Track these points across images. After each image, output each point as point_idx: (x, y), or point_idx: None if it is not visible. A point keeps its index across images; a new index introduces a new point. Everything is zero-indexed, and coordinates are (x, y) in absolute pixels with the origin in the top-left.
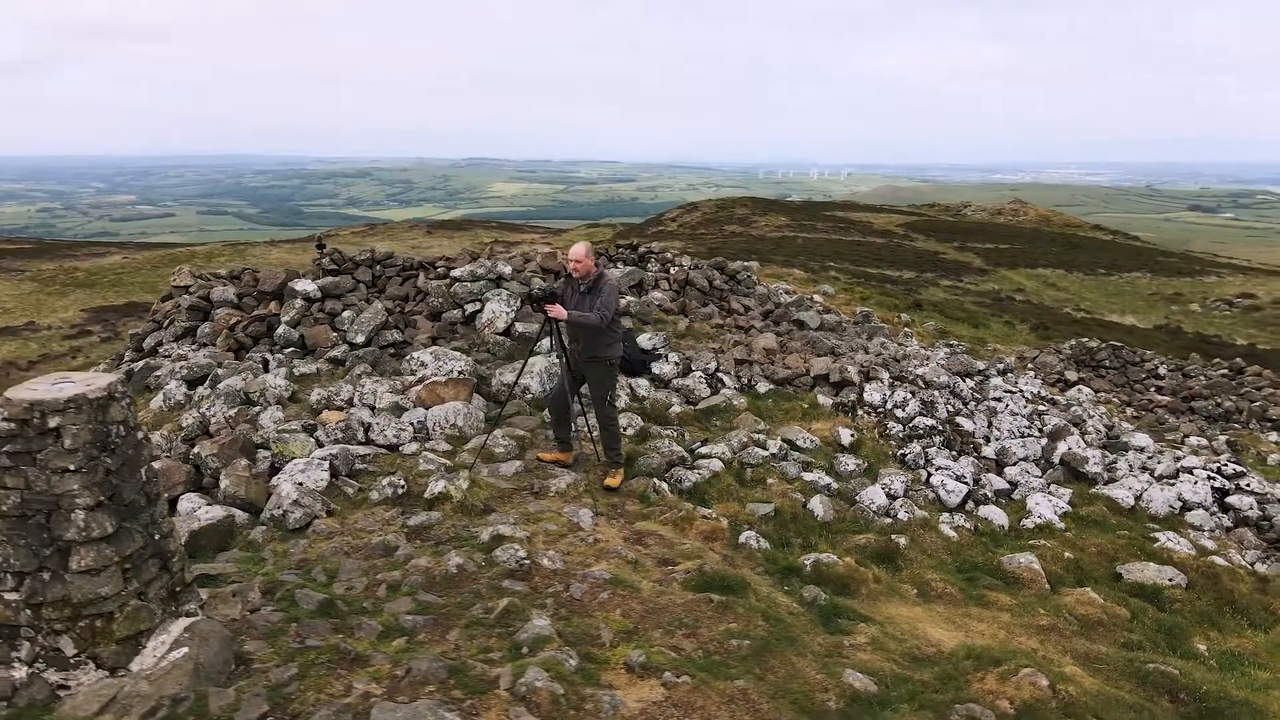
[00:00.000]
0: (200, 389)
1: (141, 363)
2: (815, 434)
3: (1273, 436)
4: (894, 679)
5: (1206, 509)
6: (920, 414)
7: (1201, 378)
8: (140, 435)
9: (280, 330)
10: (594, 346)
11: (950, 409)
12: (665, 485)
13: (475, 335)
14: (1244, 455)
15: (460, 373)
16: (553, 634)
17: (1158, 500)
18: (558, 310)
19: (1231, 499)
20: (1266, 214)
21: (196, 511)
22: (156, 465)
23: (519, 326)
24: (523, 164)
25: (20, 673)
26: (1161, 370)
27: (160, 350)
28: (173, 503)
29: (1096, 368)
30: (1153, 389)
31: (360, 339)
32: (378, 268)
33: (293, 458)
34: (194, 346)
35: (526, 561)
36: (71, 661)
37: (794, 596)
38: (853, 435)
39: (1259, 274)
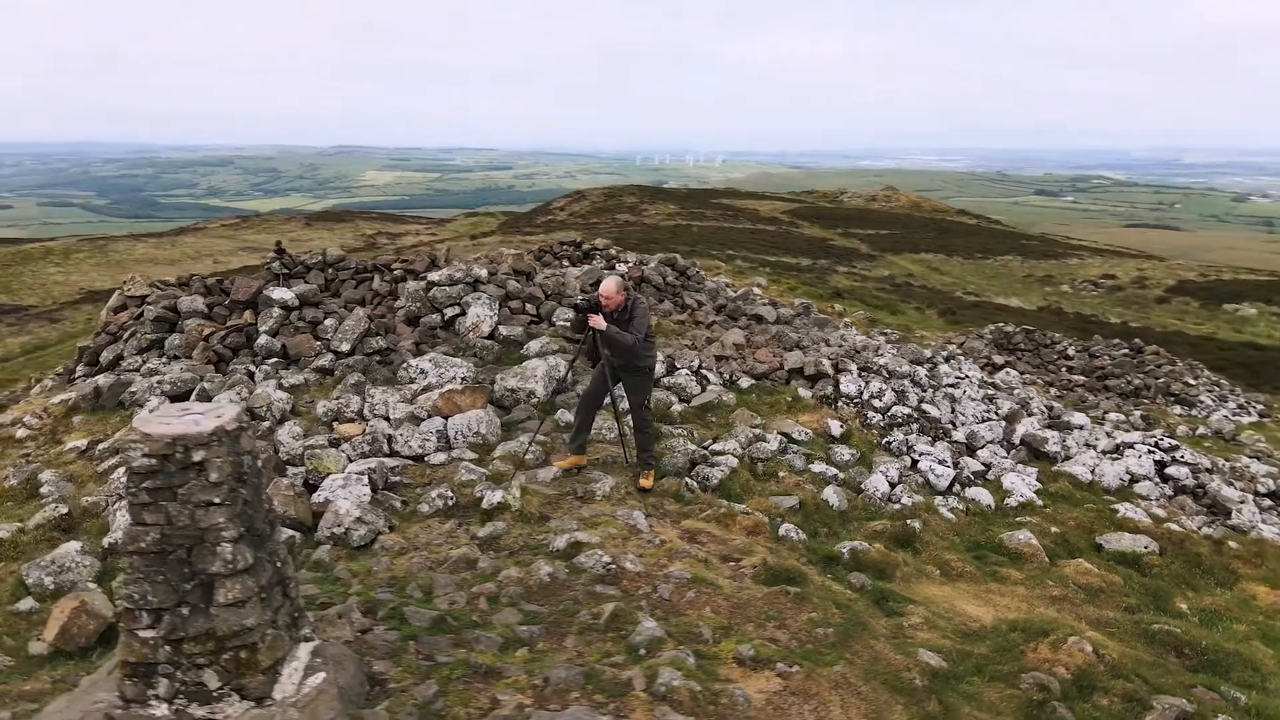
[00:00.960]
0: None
1: (106, 378)
2: (806, 426)
3: (1177, 410)
4: (957, 654)
5: (1151, 480)
6: (896, 403)
7: (1106, 357)
8: (260, 463)
9: (262, 340)
10: (634, 356)
11: (916, 397)
12: (695, 483)
13: (459, 339)
14: (1154, 427)
15: (464, 379)
16: (663, 634)
17: (1109, 474)
18: (598, 320)
19: (1170, 470)
20: (1101, 197)
21: None
22: None
23: (503, 330)
24: (395, 152)
25: (160, 710)
26: (1070, 351)
27: (123, 365)
28: None
29: (1013, 350)
30: (1064, 369)
31: (345, 347)
32: (330, 271)
33: (328, 473)
34: (164, 360)
35: (613, 566)
36: (215, 695)
37: (843, 583)
38: (841, 426)
39: (1112, 255)
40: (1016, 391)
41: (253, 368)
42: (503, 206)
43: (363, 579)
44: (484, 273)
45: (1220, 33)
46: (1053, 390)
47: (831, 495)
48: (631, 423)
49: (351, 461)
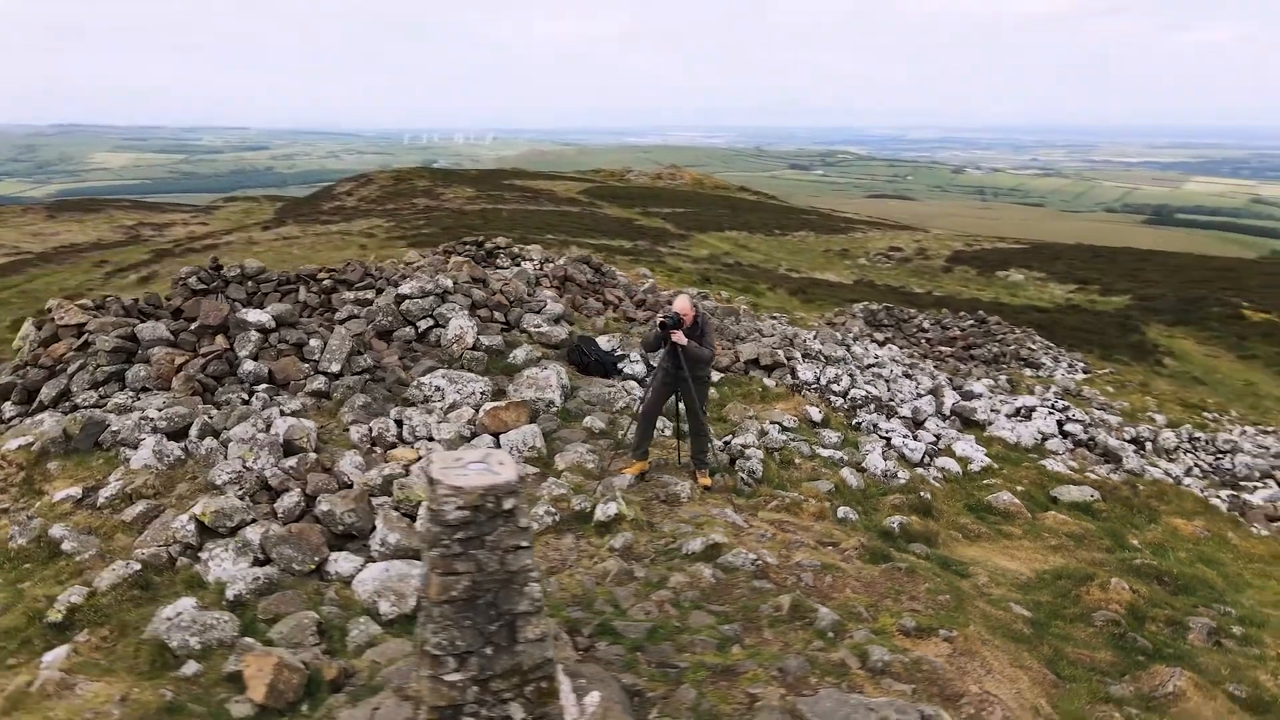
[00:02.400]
0: (204, 441)
1: (54, 417)
2: (788, 414)
3: (1028, 372)
4: (1030, 604)
5: (1057, 438)
6: (852, 387)
7: (956, 328)
8: None
9: (248, 367)
10: (697, 366)
11: (862, 380)
12: (746, 476)
13: (441, 352)
14: (1019, 389)
15: (484, 394)
16: (839, 617)
17: (1025, 435)
18: (680, 336)
19: (1068, 427)
20: (847, 171)
21: (391, 570)
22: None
23: (484, 340)
24: (129, 131)
25: None
26: (926, 324)
27: (75, 402)
28: (321, 564)
29: (878, 326)
30: (923, 340)
31: (335, 368)
32: (250, 283)
33: (419, 500)
34: (130, 394)
35: (759, 562)
36: None
37: (914, 554)
38: (820, 413)
39: (889, 228)
40: (920, 365)
41: (245, 396)
42: (264, 190)
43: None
44: (449, 283)
45: (941, 23)
46: (928, 362)
47: (849, 477)
48: (689, 427)
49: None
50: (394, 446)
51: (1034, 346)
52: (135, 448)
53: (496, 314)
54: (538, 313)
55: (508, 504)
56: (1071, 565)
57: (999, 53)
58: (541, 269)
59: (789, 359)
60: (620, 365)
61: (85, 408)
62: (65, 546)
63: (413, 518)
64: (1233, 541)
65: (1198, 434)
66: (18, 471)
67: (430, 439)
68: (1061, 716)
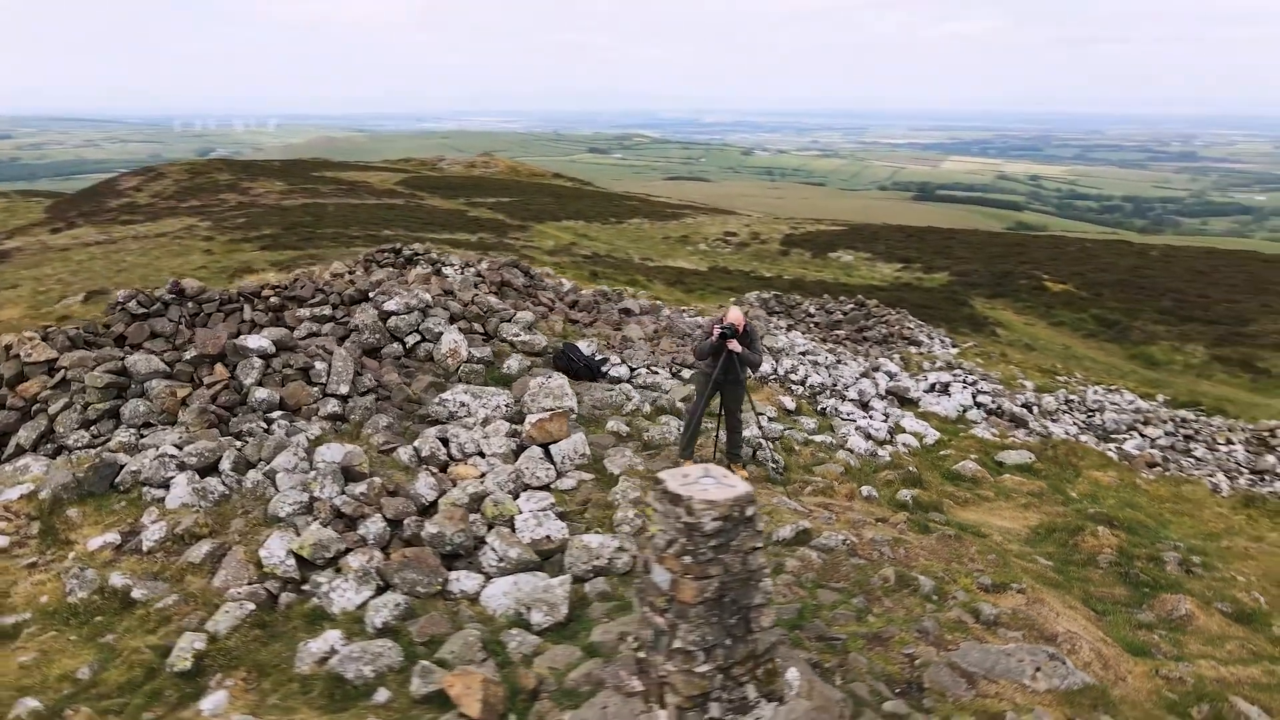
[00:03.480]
0: (248, 474)
1: (39, 461)
2: (766, 405)
3: (912, 349)
4: (1043, 555)
5: (975, 408)
6: (808, 375)
7: (839, 312)
8: None
9: (262, 394)
10: (739, 371)
11: (806, 368)
12: (773, 465)
13: (435, 366)
14: (911, 367)
15: (508, 405)
16: (934, 582)
17: (949, 408)
18: (736, 344)
19: (980, 399)
20: (644, 154)
21: (520, 583)
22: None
23: (474, 352)
24: None
25: None
26: (811, 309)
27: (63, 443)
28: (444, 585)
29: (772, 314)
30: (811, 325)
31: (344, 390)
32: (190, 304)
33: (513, 515)
34: (131, 431)
35: (849, 541)
36: (753, 704)
37: (937, 522)
38: (792, 402)
39: (713, 213)
40: (839, 349)
41: (265, 425)
42: (11, 184)
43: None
44: (428, 296)
45: (733, 9)
46: (828, 345)
47: (847, 459)
48: (728, 424)
49: (517, 499)
50: (446, 465)
51: (911, 325)
52: (164, 487)
53: (475, 325)
54: (510, 321)
55: (749, 511)
56: (1054, 520)
57: (778, 40)
58: (462, 273)
59: None
60: (605, 369)
61: (78, 449)
62: (136, 594)
63: (511, 531)
64: (1141, 487)
65: (1072, 396)
66: (29, 521)
67: (480, 454)
68: (1120, 644)
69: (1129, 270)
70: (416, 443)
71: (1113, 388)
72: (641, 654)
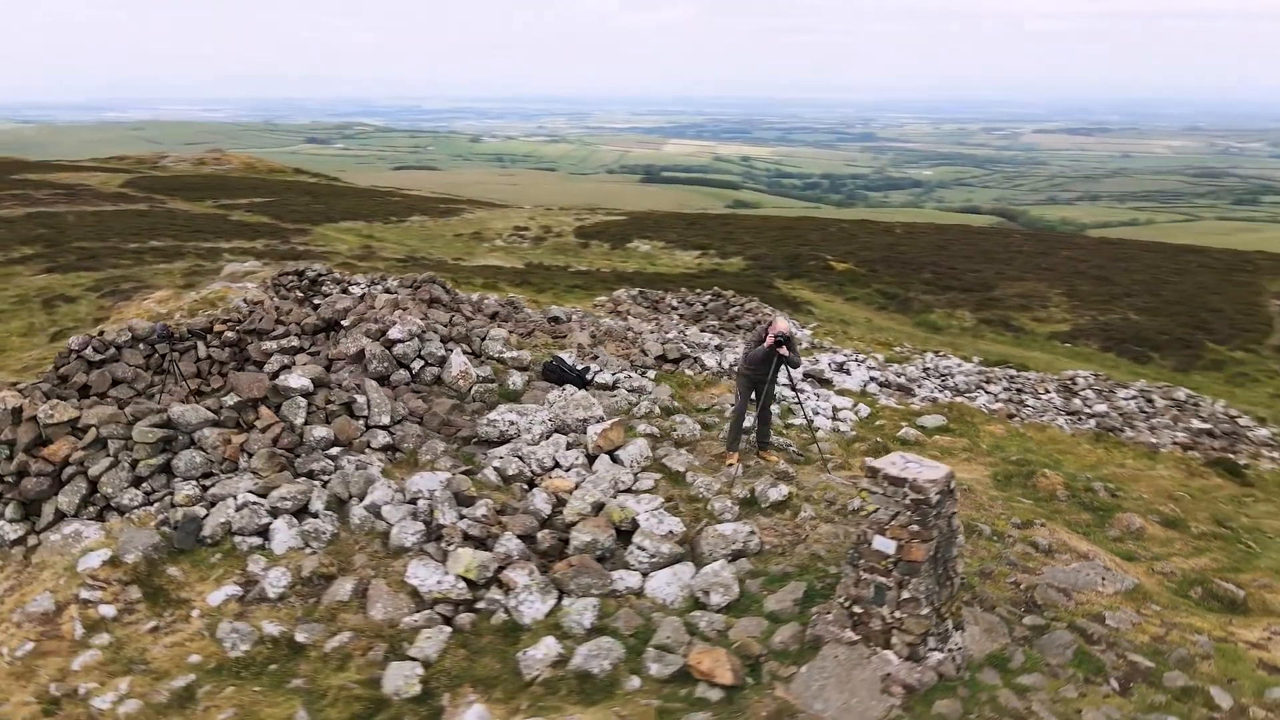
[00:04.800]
0: (353, 511)
1: (86, 525)
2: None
3: None
4: (1021, 496)
5: (872, 383)
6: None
7: (699, 304)
8: None
9: (320, 433)
10: (773, 372)
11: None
12: (795, 448)
13: (445, 388)
14: None
15: (552, 419)
16: (991, 528)
17: (854, 385)
18: (785, 350)
19: (873, 374)
20: (368, 143)
21: (679, 573)
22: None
23: (477, 371)
24: None
25: (932, 658)
26: (674, 303)
27: (115, 502)
28: (610, 584)
29: (644, 309)
30: (676, 317)
31: (385, 420)
32: (143, 346)
33: (634, 516)
34: (193, 484)
35: None
36: (950, 634)
37: None
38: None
39: (491, 207)
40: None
41: (331, 462)
42: None
43: (799, 564)
44: (422, 322)
45: None
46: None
47: (832, 438)
48: (760, 415)
49: (638, 500)
50: (531, 481)
51: (767, 311)
52: (260, 534)
53: (462, 345)
54: (489, 339)
55: (951, 484)
56: (1004, 468)
57: (491, 29)
58: (368, 291)
59: (681, 354)
60: (589, 377)
61: (134, 508)
62: (299, 638)
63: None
64: (1026, 435)
65: (929, 365)
66: (124, 587)
67: (557, 466)
68: (1115, 554)
69: (887, 248)
70: (497, 463)
71: (940, 353)
72: (857, 609)
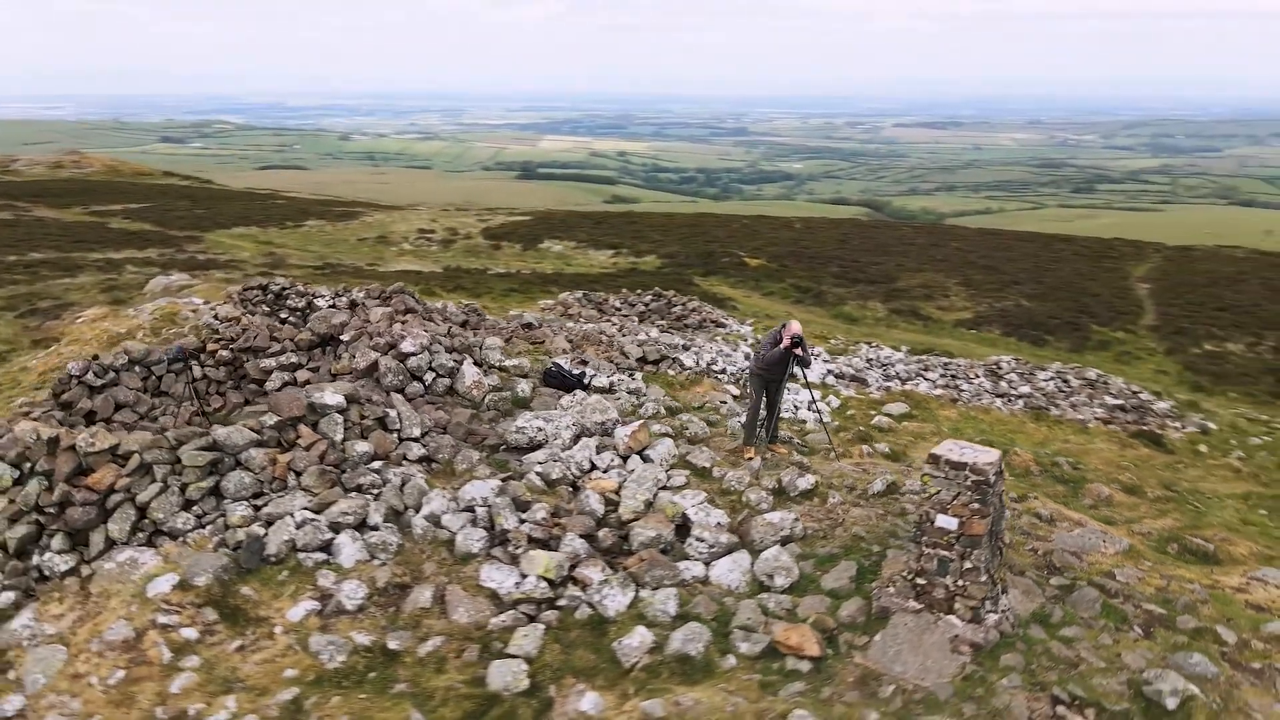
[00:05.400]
0: (415, 522)
1: (139, 552)
2: (715, 394)
3: (721, 331)
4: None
5: (829, 375)
6: (722, 366)
7: (640, 304)
8: None
9: (362, 448)
10: (787, 372)
11: (710, 357)
12: (799, 440)
13: (460, 398)
14: (735, 345)
15: (576, 424)
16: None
17: (815, 377)
18: (799, 350)
19: (829, 366)
20: (228, 142)
21: (738, 561)
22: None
23: (491, 380)
24: None
25: (990, 619)
26: (617, 304)
27: (168, 527)
28: (678, 574)
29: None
30: (620, 317)
31: (417, 432)
32: (139, 368)
33: (683, 511)
34: (245, 504)
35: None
36: (999, 596)
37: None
38: (735, 388)
39: (388, 209)
40: (698, 340)
41: (377, 476)
42: None
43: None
44: (427, 336)
45: None
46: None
47: (811, 428)
48: (771, 413)
49: (680, 496)
50: (575, 483)
51: (708, 309)
52: (323, 550)
53: (466, 356)
54: (486, 348)
55: (1000, 465)
56: (976, 436)
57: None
58: (333, 304)
59: (661, 356)
60: (586, 381)
61: (187, 531)
62: (392, 646)
63: (684, 529)
64: (977, 417)
65: (870, 355)
66: (198, 609)
67: (594, 468)
68: (1098, 520)
69: (791, 242)
70: (539, 468)
71: (874, 344)
72: (920, 581)
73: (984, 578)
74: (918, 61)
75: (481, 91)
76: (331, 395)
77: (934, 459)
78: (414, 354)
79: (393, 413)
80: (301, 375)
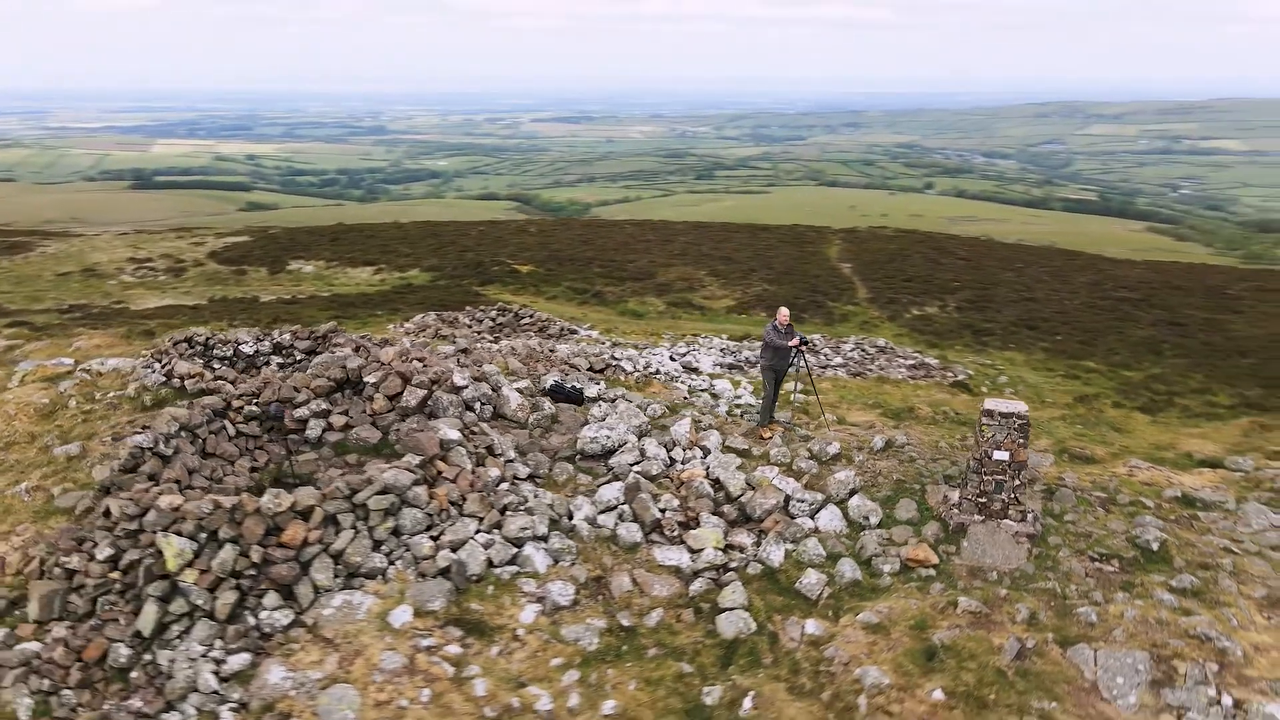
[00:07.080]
0: (580, 526)
1: (402, 577)
2: (657, 398)
3: (574, 337)
4: (917, 422)
5: (720, 366)
6: (657, 369)
7: (487, 320)
8: None
9: (495, 473)
10: (789, 363)
11: (644, 361)
12: (792, 420)
13: (509, 422)
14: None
15: (629, 428)
16: (963, 443)
17: (709, 368)
18: (797, 341)
19: (679, 361)
20: None
21: (832, 512)
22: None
23: (531, 401)
24: None
25: (1030, 518)
26: (467, 321)
27: (364, 570)
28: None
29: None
30: (473, 334)
31: (513, 454)
32: (184, 432)
33: (770, 481)
34: (423, 536)
35: (905, 440)
36: (1029, 509)
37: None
38: (684, 389)
39: (62, 237)
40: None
41: (514, 496)
42: None
43: (891, 489)
44: (473, 370)
45: None
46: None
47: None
48: (771, 398)
49: (758, 472)
50: (671, 466)
51: (560, 322)
52: (512, 563)
53: (484, 384)
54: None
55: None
56: (889, 409)
57: None
58: (367, 345)
59: (615, 360)
60: (585, 394)
61: (383, 569)
62: (625, 623)
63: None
64: (848, 385)
65: (720, 345)
66: (444, 629)
67: (673, 462)
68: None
69: (542, 246)
70: (637, 467)
71: (703, 335)
72: (982, 499)
73: (1027, 492)
74: (552, 61)
75: (72, 89)
76: (452, 431)
77: (989, 412)
78: (464, 386)
79: (495, 440)
80: (336, 420)
